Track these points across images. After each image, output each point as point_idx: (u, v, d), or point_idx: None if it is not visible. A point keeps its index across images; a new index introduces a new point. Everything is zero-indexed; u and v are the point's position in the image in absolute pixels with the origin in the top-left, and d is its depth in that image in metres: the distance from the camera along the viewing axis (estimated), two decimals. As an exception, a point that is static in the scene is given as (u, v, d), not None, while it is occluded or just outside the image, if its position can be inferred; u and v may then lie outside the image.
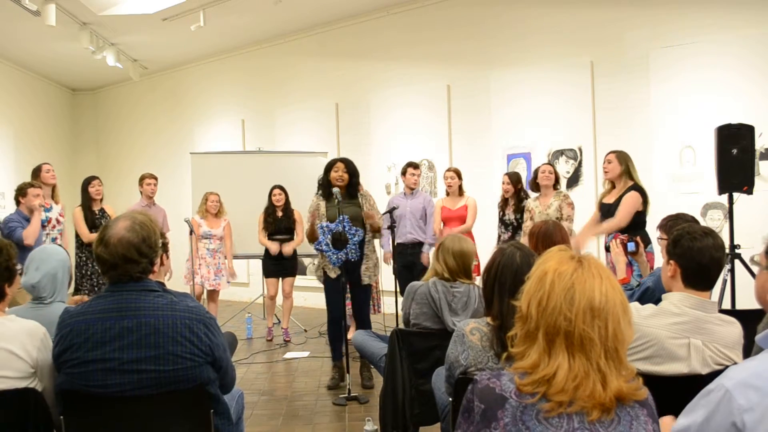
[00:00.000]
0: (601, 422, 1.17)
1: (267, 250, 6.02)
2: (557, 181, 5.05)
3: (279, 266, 6.04)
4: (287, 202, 6.06)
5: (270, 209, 6.03)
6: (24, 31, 7.66)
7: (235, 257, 6.57)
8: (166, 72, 10.10)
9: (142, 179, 6.04)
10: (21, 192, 4.77)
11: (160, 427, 1.84)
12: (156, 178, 6.07)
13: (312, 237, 4.35)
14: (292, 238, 6.06)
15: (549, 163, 5.22)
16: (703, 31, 5.52)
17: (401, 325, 3.24)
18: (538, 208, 4.95)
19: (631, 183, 4.27)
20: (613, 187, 4.42)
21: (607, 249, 3.20)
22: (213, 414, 1.88)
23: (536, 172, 5.10)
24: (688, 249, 1.99)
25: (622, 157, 4.34)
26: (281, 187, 6.06)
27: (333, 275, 4.35)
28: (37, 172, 5.20)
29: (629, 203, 4.15)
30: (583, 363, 1.18)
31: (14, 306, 2.42)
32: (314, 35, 8.29)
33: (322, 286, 4.63)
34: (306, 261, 7.49)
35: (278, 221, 5.99)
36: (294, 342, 6.07)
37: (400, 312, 3.81)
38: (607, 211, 4.41)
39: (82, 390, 1.77)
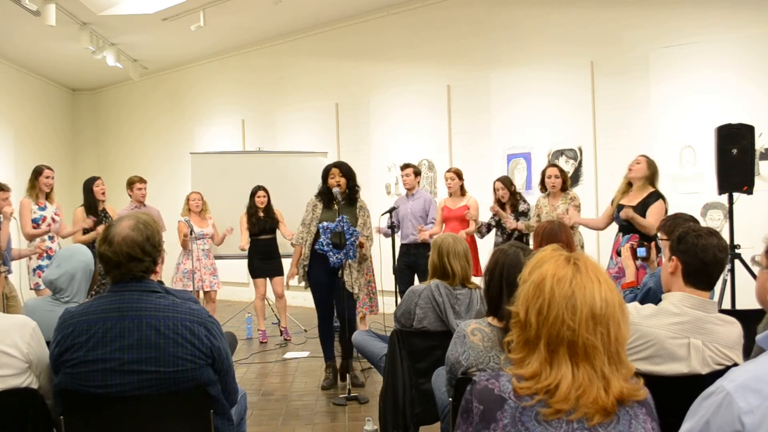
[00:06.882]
0: (601, 422, 1.16)
1: (252, 250, 6.04)
2: (565, 182, 4.94)
3: (267, 266, 6.07)
4: (269, 203, 6.10)
5: (252, 210, 6.04)
6: (24, 31, 7.65)
7: (225, 257, 6.56)
8: (166, 72, 10.10)
9: (131, 184, 5.82)
10: None
11: (161, 428, 1.83)
12: (146, 182, 5.94)
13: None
14: (275, 237, 6.11)
15: (555, 165, 5.08)
16: (703, 31, 5.52)
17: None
18: (547, 207, 4.92)
19: (652, 189, 4.25)
20: (629, 185, 4.38)
21: (619, 254, 3.18)
22: (213, 414, 1.88)
23: (543, 173, 5.01)
24: (692, 246, 1.98)
25: (653, 165, 4.31)
26: (265, 189, 6.08)
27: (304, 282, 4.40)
28: (37, 174, 5.10)
29: (659, 212, 4.10)
30: (587, 371, 1.17)
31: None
32: (314, 35, 8.28)
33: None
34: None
35: (261, 222, 6.03)
36: (294, 342, 6.07)
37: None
38: (622, 210, 4.37)
39: (83, 390, 1.76)
